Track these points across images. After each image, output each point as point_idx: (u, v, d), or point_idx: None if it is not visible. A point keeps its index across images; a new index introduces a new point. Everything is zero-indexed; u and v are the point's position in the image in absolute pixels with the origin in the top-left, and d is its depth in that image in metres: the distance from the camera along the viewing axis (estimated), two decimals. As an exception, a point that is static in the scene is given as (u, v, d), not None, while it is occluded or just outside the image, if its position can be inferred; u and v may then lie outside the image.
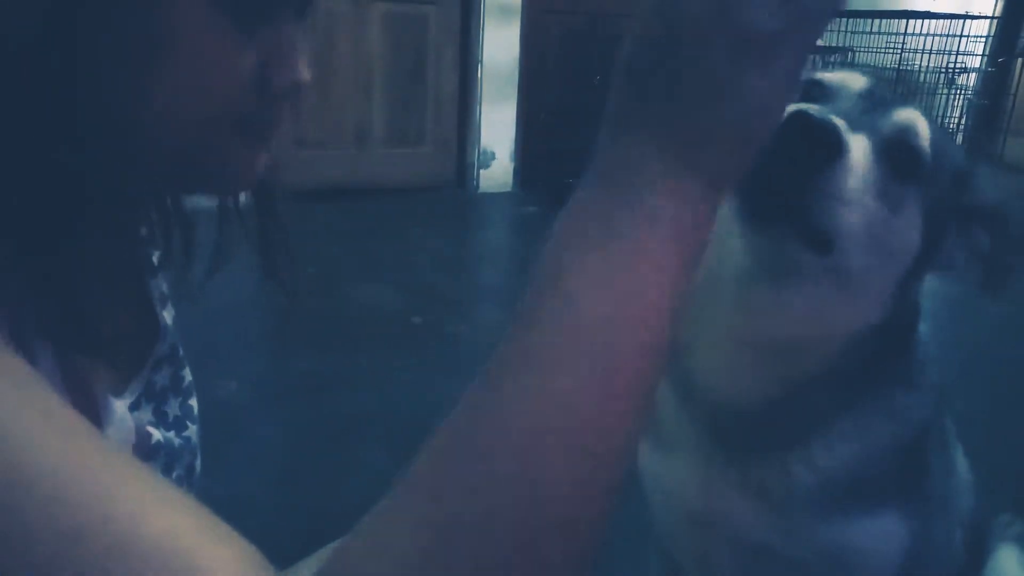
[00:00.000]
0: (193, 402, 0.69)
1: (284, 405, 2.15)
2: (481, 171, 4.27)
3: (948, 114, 4.70)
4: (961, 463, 0.89)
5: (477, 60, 4.15)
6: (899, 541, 0.77)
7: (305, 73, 0.51)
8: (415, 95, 4.14)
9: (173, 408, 0.65)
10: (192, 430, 0.67)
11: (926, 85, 4.61)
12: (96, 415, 0.51)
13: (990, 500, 1.04)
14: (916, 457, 0.78)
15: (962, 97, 4.75)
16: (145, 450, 0.58)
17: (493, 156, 4.28)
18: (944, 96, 4.65)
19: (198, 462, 0.68)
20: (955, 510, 0.86)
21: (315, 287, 2.91)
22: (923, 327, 0.81)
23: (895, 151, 0.67)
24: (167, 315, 0.68)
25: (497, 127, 4.25)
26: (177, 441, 0.63)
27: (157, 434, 0.60)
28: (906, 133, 0.69)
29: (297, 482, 1.77)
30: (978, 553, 0.97)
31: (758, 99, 0.38)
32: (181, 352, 0.68)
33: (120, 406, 0.56)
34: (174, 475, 0.63)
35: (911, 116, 0.70)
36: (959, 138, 4.77)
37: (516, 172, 4.37)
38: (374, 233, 3.59)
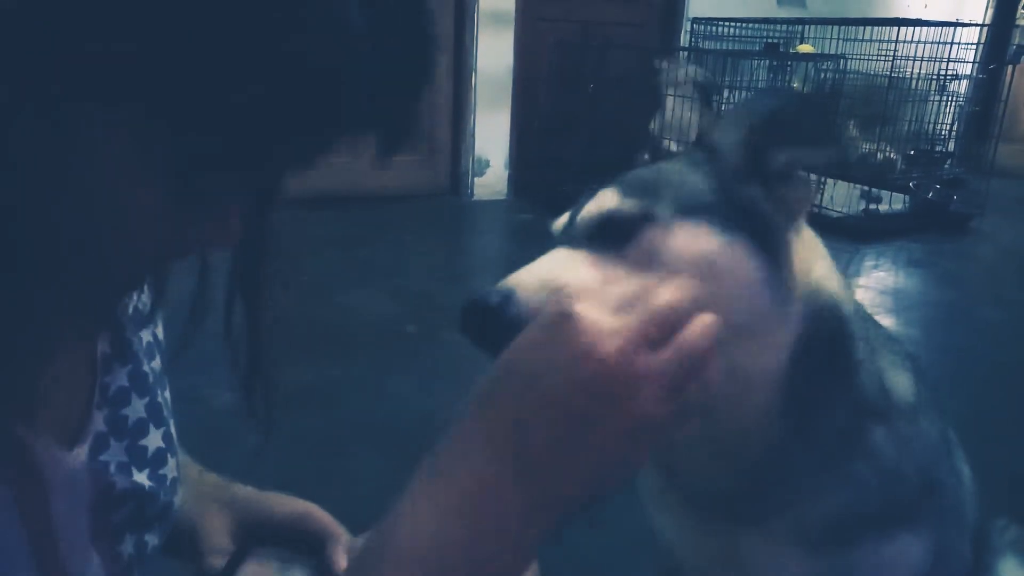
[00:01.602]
0: (172, 427, 0.65)
1: (281, 414, 2.12)
2: (475, 179, 4.27)
3: (940, 120, 4.73)
4: (965, 470, 0.88)
5: (471, 68, 4.15)
6: (918, 559, 0.75)
7: (232, 237, 0.48)
8: (409, 102, 4.14)
9: (154, 440, 0.61)
10: (171, 464, 0.63)
11: (918, 92, 4.64)
12: (40, 484, 0.48)
13: (986, 505, 1.04)
14: (924, 474, 0.77)
15: (954, 104, 4.78)
16: (108, 501, 0.54)
17: (487, 163, 4.29)
18: (936, 103, 4.67)
19: (178, 496, 0.64)
20: (966, 518, 0.85)
21: (308, 295, 2.90)
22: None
23: (613, 234, 0.64)
24: (147, 334, 0.63)
25: (491, 134, 4.25)
26: (148, 484, 0.59)
27: (124, 480, 0.56)
28: (605, 222, 0.65)
29: (292, 491, 1.75)
30: (978, 559, 0.97)
31: (616, 465, 0.48)
32: (151, 374, 0.63)
33: (74, 457, 0.52)
34: (147, 516, 0.59)
35: (595, 207, 0.66)
36: (951, 145, 4.79)
37: (510, 179, 4.37)
38: (368, 241, 3.59)
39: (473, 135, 4.22)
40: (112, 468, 0.56)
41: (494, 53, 4.17)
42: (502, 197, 4.34)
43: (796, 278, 0.66)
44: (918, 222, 4.14)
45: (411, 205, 4.05)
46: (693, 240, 0.62)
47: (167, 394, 0.66)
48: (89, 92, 0.38)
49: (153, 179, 0.41)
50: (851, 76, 4.39)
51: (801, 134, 0.66)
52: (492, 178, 4.30)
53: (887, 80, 4.26)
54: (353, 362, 2.40)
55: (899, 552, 0.75)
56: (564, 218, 0.71)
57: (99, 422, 0.56)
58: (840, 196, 4.10)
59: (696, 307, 0.54)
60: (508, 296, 0.61)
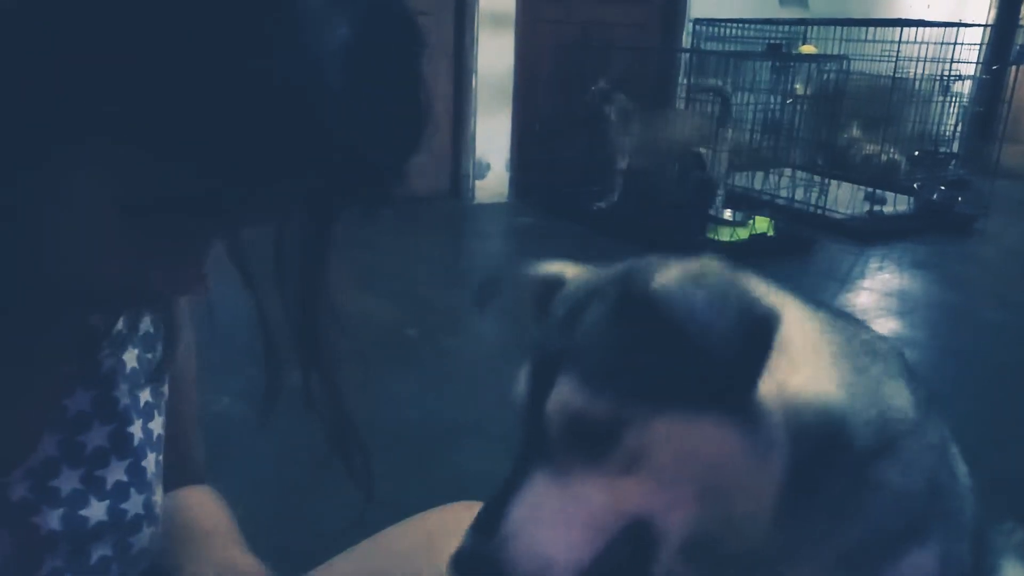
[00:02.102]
0: (148, 462, 0.61)
1: (278, 419, 2.11)
2: (476, 181, 4.26)
3: (944, 121, 4.71)
4: (961, 469, 0.87)
5: (471, 70, 4.14)
6: (932, 570, 0.74)
7: (199, 285, 0.48)
8: (409, 105, 4.13)
9: (116, 473, 0.58)
10: (136, 501, 0.59)
11: (921, 93, 4.62)
12: None
13: (991, 507, 1.02)
14: (931, 484, 0.75)
15: (957, 105, 4.76)
16: (29, 547, 0.52)
17: (488, 166, 4.27)
18: (939, 104, 4.65)
19: (142, 535, 0.60)
20: (964, 518, 0.83)
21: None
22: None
23: (587, 439, 0.61)
24: (131, 358, 0.61)
25: (492, 137, 4.23)
26: (95, 520, 0.55)
27: (56, 522, 0.53)
28: (575, 424, 0.60)
29: (292, 496, 1.75)
30: (980, 560, 0.95)
31: None
32: (122, 401, 0.60)
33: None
34: (95, 557, 0.55)
35: (559, 404, 0.61)
36: (955, 146, 4.77)
37: (511, 182, 4.35)
38: (368, 244, 3.56)
39: (474, 138, 4.20)
40: (62, 495, 0.54)
41: (495, 55, 4.15)
42: (503, 200, 4.33)
43: (773, 413, 0.62)
44: (922, 223, 4.12)
45: (412, 208, 4.04)
46: (677, 438, 0.60)
47: (152, 425, 0.62)
48: (51, 128, 0.37)
49: (108, 219, 0.40)
50: (854, 77, 4.37)
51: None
52: (493, 181, 4.28)
53: (890, 81, 4.24)
54: (352, 366, 2.38)
55: (912, 568, 0.73)
56: (523, 393, 0.66)
57: (50, 447, 0.54)
58: (844, 198, 4.08)
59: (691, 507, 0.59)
60: (503, 545, 0.59)
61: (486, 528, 0.60)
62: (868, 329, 0.79)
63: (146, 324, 0.62)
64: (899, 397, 0.74)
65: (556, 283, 0.71)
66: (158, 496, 0.62)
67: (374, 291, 2.98)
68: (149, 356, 0.63)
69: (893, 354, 0.79)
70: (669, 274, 0.62)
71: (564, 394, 0.60)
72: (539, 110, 4.32)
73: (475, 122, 4.18)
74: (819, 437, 0.65)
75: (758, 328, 0.59)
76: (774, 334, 0.59)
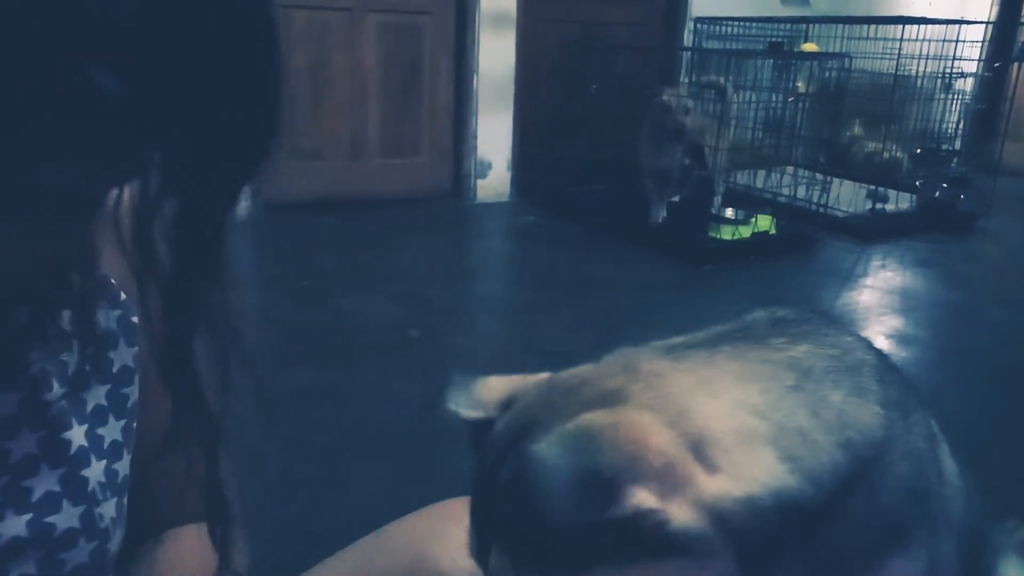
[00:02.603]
0: (93, 471, 0.57)
1: (279, 419, 2.11)
2: (478, 181, 4.26)
3: (946, 119, 4.70)
4: (949, 467, 0.85)
5: (472, 69, 4.14)
6: (914, 574, 0.73)
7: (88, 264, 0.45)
8: (410, 105, 4.13)
9: (45, 482, 0.53)
10: (69, 513, 0.54)
11: (923, 90, 4.61)
12: None
13: (992, 506, 1.02)
14: (910, 490, 0.75)
15: (960, 102, 4.75)
16: None
17: (490, 166, 4.27)
18: (941, 101, 4.64)
19: (77, 551, 0.55)
20: (952, 519, 0.83)
21: (310, 300, 2.89)
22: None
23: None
24: (73, 361, 0.56)
25: (493, 136, 4.23)
26: (12, 534, 0.51)
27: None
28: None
29: (294, 496, 1.75)
30: (976, 560, 0.95)
31: None
32: (56, 406, 0.55)
33: None
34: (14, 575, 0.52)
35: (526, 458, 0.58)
36: (957, 143, 4.76)
37: (513, 182, 4.35)
38: (370, 244, 3.57)
39: (475, 137, 4.20)
40: None
41: (496, 54, 4.15)
42: (505, 199, 4.33)
43: (700, 529, 0.58)
44: (924, 221, 4.11)
45: (413, 208, 4.04)
46: None
47: (103, 431, 0.58)
48: None
49: None
50: (856, 75, 4.36)
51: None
52: (495, 180, 4.28)
53: (892, 79, 4.23)
54: (355, 366, 2.39)
55: (898, 572, 0.71)
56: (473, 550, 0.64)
57: None
58: (846, 196, 4.08)
59: None
60: None
61: None
62: (839, 333, 0.74)
63: (109, 322, 0.59)
64: (867, 416, 0.71)
65: (484, 424, 0.67)
66: (106, 509, 0.57)
67: (376, 292, 2.98)
68: (111, 355, 0.59)
69: (864, 362, 0.75)
70: (543, 444, 0.58)
71: (496, 571, 0.60)
72: (541, 109, 4.32)
73: (476, 121, 4.18)
74: (760, 525, 0.63)
75: (594, 503, 0.56)
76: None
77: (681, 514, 0.58)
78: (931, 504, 0.77)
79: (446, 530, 0.77)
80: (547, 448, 0.56)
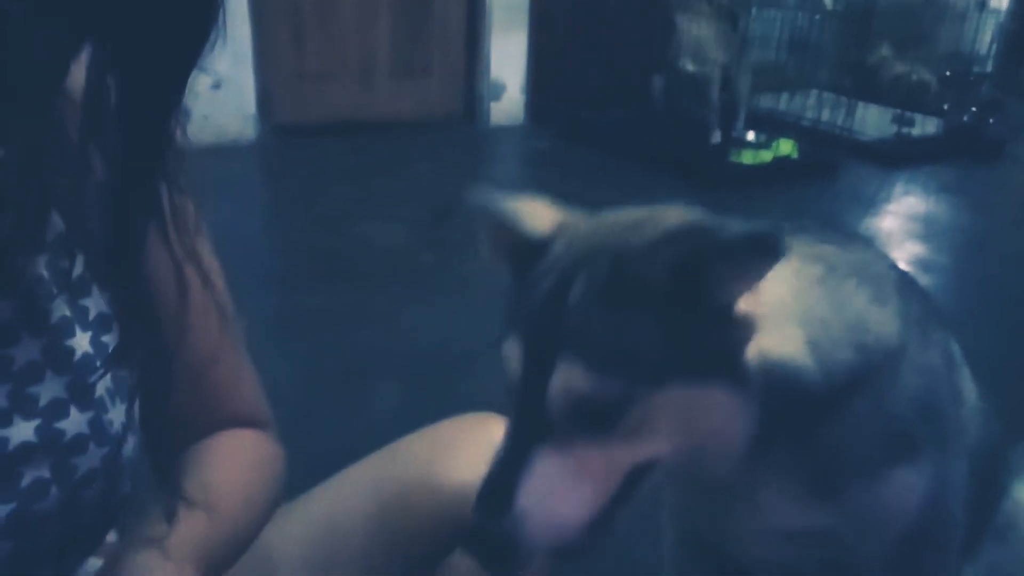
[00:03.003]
0: (94, 379, 0.57)
1: (293, 342, 2.12)
2: (491, 104, 4.15)
3: (978, 40, 4.52)
4: (969, 389, 0.86)
5: (486, -13, 3.99)
6: (918, 489, 0.76)
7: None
8: (421, 23, 3.99)
9: (51, 389, 0.54)
10: (77, 419, 0.55)
11: (955, 9, 4.42)
12: None
13: (1010, 429, 1.01)
14: (921, 405, 0.75)
15: (994, 22, 4.56)
16: None
17: (503, 88, 4.16)
18: (974, 20, 4.46)
19: (88, 456, 0.56)
20: (965, 441, 0.83)
21: (322, 226, 2.86)
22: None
23: (591, 419, 0.62)
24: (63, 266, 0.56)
25: (507, 57, 4.11)
26: (20, 439, 0.52)
27: None
28: (581, 407, 0.61)
29: (309, 417, 1.76)
30: (993, 482, 0.96)
31: None
32: (57, 313, 0.55)
33: None
34: (25, 481, 0.52)
35: (563, 387, 0.61)
36: (988, 64, 4.59)
37: (527, 105, 4.25)
38: (381, 170, 3.52)
39: (488, 58, 4.08)
40: None
41: (510, -30, 4.00)
42: (519, 123, 4.23)
43: (753, 375, 0.65)
44: (951, 147, 4.00)
45: (424, 132, 3.97)
46: (677, 405, 0.62)
47: (106, 339, 0.58)
48: None
49: None
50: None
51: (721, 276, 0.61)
52: (508, 103, 4.18)
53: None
54: (368, 291, 2.38)
55: (900, 489, 0.75)
56: (517, 370, 0.64)
57: None
58: (872, 119, 3.97)
59: (683, 450, 0.63)
60: (518, 523, 0.61)
61: (495, 508, 0.62)
62: (864, 247, 0.79)
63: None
64: (885, 324, 0.73)
65: (533, 243, 0.69)
66: (115, 415, 0.57)
67: (387, 217, 2.94)
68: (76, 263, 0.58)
69: (887, 275, 0.77)
70: (654, 236, 0.62)
71: (568, 380, 0.61)
72: (557, 29, 4.18)
73: (489, 41, 4.05)
74: (784, 391, 0.67)
75: (774, 251, 0.59)
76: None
77: (749, 355, 0.64)
78: (943, 422, 0.78)
79: (456, 444, 0.80)
80: (657, 243, 0.60)
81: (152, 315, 0.58)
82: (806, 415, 0.69)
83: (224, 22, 0.49)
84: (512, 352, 0.65)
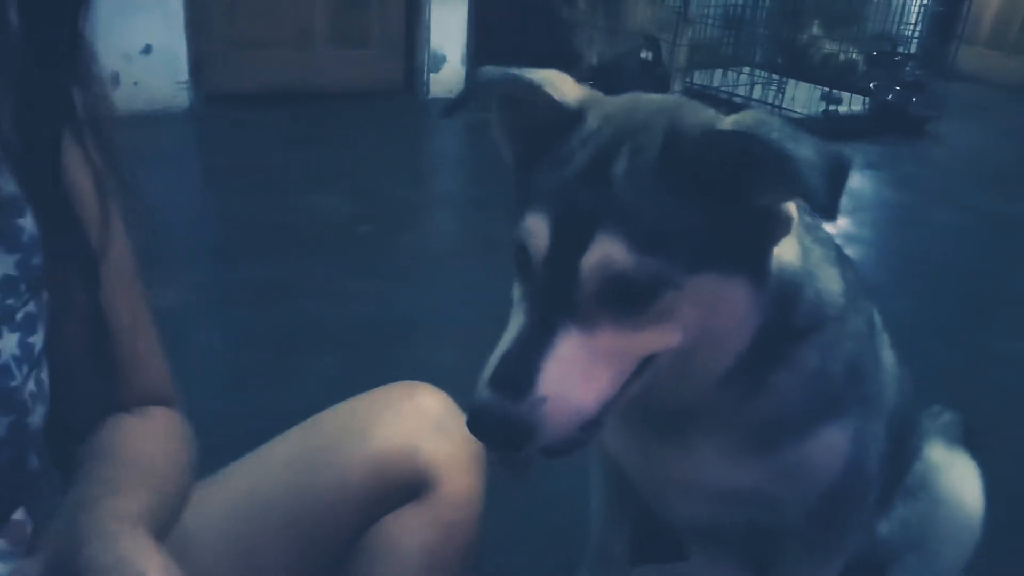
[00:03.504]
0: (35, 340, 0.57)
1: (228, 313, 2.09)
2: (431, 75, 4.12)
3: (904, 21, 4.66)
4: (887, 355, 0.90)
5: (425, -45, 3.94)
6: (843, 448, 0.79)
7: None
8: (360, -8, 3.93)
9: None
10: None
11: (884, -10, 4.54)
12: None
13: (924, 394, 1.07)
14: (851, 367, 0.79)
15: (919, 4, 4.70)
16: None
17: (444, 59, 4.12)
18: (900, 2, 4.59)
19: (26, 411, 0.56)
20: (884, 403, 0.87)
21: (259, 195, 2.81)
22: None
23: (624, 297, 0.60)
24: None
25: (448, 27, 4.07)
26: None
27: None
28: (617, 284, 0.60)
29: (242, 389, 1.74)
30: (906, 444, 1.00)
31: None
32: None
33: None
34: None
35: (601, 259, 0.60)
36: (913, 45, 4.74)
37: (469, 76, 4.22)
38: (319, 140, 3.46)
39: (428, 28, 4.04)
40: None
41: (450, -61, 3.95)
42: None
43: (772, 275, 0.67)
44: (876, 124, 4.13)
45: (364, 103, 3.91)
46: (705, 293, 0.61)
47: (12, 302, 0.57)
48: None
49: None
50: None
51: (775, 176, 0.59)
52: (449, 74, 4.15)
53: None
54: (306, 262, 2.35)
55: (826, 447, 0.78)
56: (543, 247, 0.61)
57: None
58: (801, 97, 4.06)
59: (691, 343, 0.62)
60: (536, 407, 0.58)
61: (512, 389, 0.57)
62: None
63: (10, 186, 0.56)
64: (833, 282, 0.77)
65: (567, 113, 0.66)
66: (22, 382, 0.56)
67: (326, 188, 2.91)
68: (18, 222, 0.56)
69: (830, 241, 0.81)
70: (726, 116, 0.61)
71: (606, 254, 0.58)
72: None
73: (429, 11, 4.00)
74: (786, 302, 0.70)
75: (845, 170, 0.59)
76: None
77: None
78: (865, 384, 0.81)
79: (383, 413, 0.78)
80: (720, 131, 0.59)
81: (79, 236, 0.57)
82: (786, 339, 0.72)
83: None
84: (537, 227, 0.61)
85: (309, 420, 0.81)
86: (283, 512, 0.73)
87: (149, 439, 0.66)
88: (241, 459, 0.79)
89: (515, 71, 0.68)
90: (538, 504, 1.39)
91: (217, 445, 0.76)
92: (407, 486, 0.74)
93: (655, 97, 0.70)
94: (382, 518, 0.74)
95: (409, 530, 0.73)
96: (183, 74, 3.49)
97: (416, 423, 0.76)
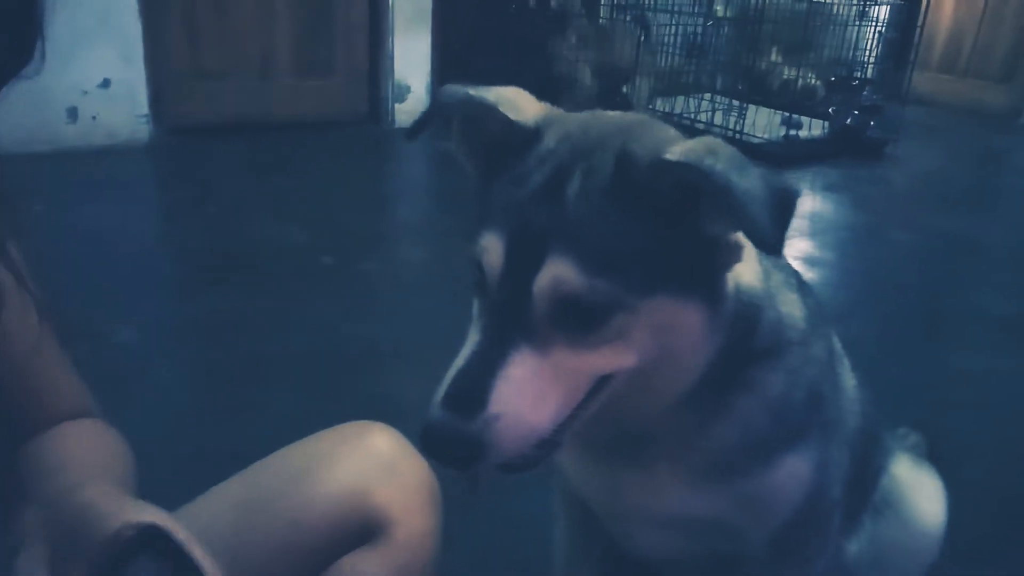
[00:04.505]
0: None
1: (185, 348, 2.05)
2: (396, 104, 4.12)
3: (860, 47, 4.77)
4: (848, 378, 0.90)
5: (388, -14, 3.96)
6: (804, 476, 0.78)
7: None
8: (322, 20, 3.93)
9: None
10: None
11: (839, 17, 4.65)
12: None
13: (888, 415, 1.07)
14: (811, 394, 0.78)
15: (874, 30, 4.81)
16: None
17: (408, 89, 4.13)
18: (856, 29, 4.70)
19: None
20: (846, 428, 0.87)
21: (218, 226, 2.77)
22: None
23: (576, 318, 0.61)
24: None
25: (411, 58, 4.09)
26: None
27: None
28: (568, 306, 0.60)
29: (201, 425, 1.70)
30: (871, 464, 1.00)
31: None
32: None
33: None
34: None
35: (551, 282, 0.60)
36: (870, 70, 4.86)
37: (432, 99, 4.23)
38: (281, 170, 3.44)
39: (392, 58, 4.05)
40: None
41: (412, -31, 3.98)
42: (424, 124, 4.21)
43: (728, 299, 0.67)
44: (836, 148, 4.20)
45: (328, 132, 3.90)
46: (658, 316, 0.61)
47: None
48: None
49: None
50: (773, 0, 4.36)
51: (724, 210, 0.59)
52: (414, 104, 4.15)
53: (808, 5, 4.25)
54: (266, 294, 2.32)
55: (788, 475, 0.77)
56: (498, 265, 0.61)
57: None
58: (762, 122, 4.12)
59: (648, 364, 0.62)
60: (489, 426, 0.58)
61: (464, 407, 0.58)
62: None
63: None
64: (793, 307, 0.76)
65: (517, 134, 0.66)
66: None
67: (287, 219, 2.88)
68: None
69: (789, 268, 0.81)
70: (682, 138, 0.62)
71: (557, 275, 0.59)
72: (460, 29, 4.18)
73: (393, 41, 4.02)
74: (746, 324, 0.70)
75: (791, 204, 0.58)
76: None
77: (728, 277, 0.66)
78: (828, 412, 0.81)
79: (334, 455, 0.78)
80: (669, 161, 0.58)
81: None
82: (746, 362, 0.72)
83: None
84: (492, 245, 0.61)
85: (260, 462, 0.81)
86: (234, 555, 0.72)
87: (79, 443, 0.68)
88: (192, 501, 0.79)
89: (473, 90, 0.67)
90: (502, 537, 1.36)
91: (170, 483, 0.75)
92: (360, 529, 0.74)
93: (614, 115, 0.69)
94: (337, 561, 0.74)
95: (364, 573, 0.73)
96: (142, 107, 3.46)
97: (368, 465, 0.77)
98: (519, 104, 0.68)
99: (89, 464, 0.64)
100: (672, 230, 0.60)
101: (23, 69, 0.50)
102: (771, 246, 0.56)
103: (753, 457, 0.76)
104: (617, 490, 0.82)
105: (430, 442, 0.59)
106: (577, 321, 0.60)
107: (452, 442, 0.58)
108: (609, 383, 0.64)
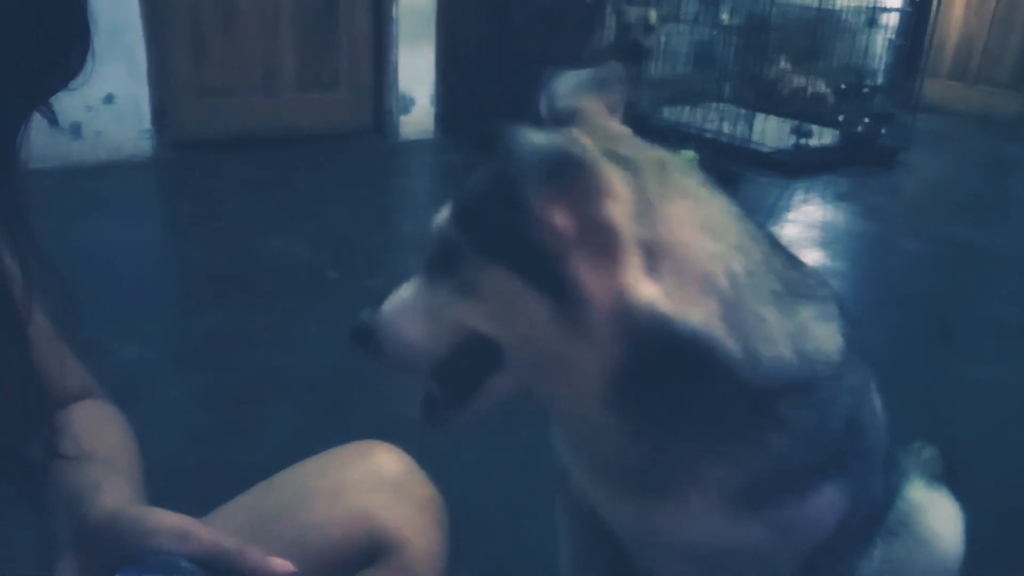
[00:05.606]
0: None
1: (190, 365, 2.03)
2: (401, 117, 4.12)
3: (870, 54, 4.74)
4: (877, 402, 0.88)
5: (392, -1, 3.96)
6: (841, 505, 0.78)
7: None
8: (326, 34, 3.93)
9: None
10: None
11: (848, 25, 4.63)
12: None
13: (902, 428, 1.04)
14: (850, 423, 0.77)
15: (884, 38, 4.79)
16: None
17: (413, 101, 4.13)
18: (866, 36, 4.68)
19: None
20: (880, 454, 0.85)
21: (223, 241, 2.76)
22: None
23: (443, 259, 0.75)
24: None
25: (416, 70, 4.08)
26: None
27: None
28: (439, 242, 0.77)
29: (207, 443, 1.69)
30: (888, 482, 0.98)
31: None
32: None
33: None
34: None
35: (438, 219, 0.77)
36: (879, 78, 4.83)
37: (438, 118, 4.23)
38: (286, 184, 3.43)
39: (396, 70, 4.04)
40: None
41: (416, -18, 3.98)
42: (429, 136, 4.20)
43: (597, 310, 0.67)
44: (846, 156, 4.17)
45: (332, 146, 3.90)
46: (496, 283, 0.70)
47: None
48: None
49: None
50: (781, 8, 4.34)
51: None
52: (418, 116, 4.15)
53: (816, 12, 4.23)
54: (271, 309, 2.30)
55: (823, 504, 0.76)
56: (444, 212, 0.76)
57: None
58: (772, 131, 4.10)
59: (497, 337, 0.72)
60: (375, 323, 0.77)
61: (375, 310, 0.77)
62: (814, 274, 0.81)
63: None
64: (827, 341, 0.75)
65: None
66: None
67: (292, 233, 2.87)
68: None
69: (830, 298, 0.78)
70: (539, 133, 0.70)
71: (438, 221, 0.75)
72: (465, 41, 4.18)
73: (397, 54, 4.01)
74: (660, 345, 0.69)
75: (558, 167, 0.66)
76: (574, 179, 0.66)
77: (596, 282, 0.68)
78: (866, 440, 0.80)
79: (338, 475, 0.79)
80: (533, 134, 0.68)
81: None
82: (734, 401, 0.70)
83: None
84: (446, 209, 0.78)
85: (265, 482, 0.81)
86: None
87: (92, 422, 0.71)
88: (205, 517, 0.77)
89: (562, 145, 0.69)
90: (509, 557, 1.34)
91: (174, 503, 0.73)
92: (367, 549, 0.74)
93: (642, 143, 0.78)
94: None
95: None
96: (146, 122, 3.46)
97: (375, 485, 0.77)
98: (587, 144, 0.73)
99: (104, 454, 0.66)
100: (508, 212, 0.68)
101: (73, 81, 0.53)
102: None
103: (791, 487, 0.75)
104: (646, 520, 0.81)
105: (351, 333, 0.77)
106: (443, 262, 0.73)
107: (356, 328, 0.77)
108: (498, 372, 0.74)
